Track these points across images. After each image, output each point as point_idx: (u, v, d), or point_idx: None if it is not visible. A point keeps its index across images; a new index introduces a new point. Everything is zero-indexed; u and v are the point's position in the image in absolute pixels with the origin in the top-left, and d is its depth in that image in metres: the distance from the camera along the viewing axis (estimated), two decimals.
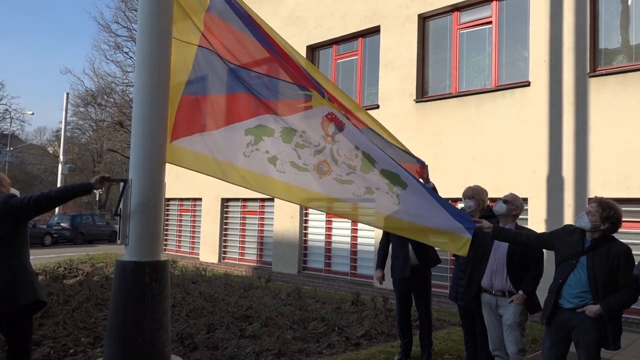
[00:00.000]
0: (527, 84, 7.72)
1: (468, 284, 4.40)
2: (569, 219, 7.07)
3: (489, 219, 4.65)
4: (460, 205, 6.04)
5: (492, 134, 7.98)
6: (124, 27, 33.89)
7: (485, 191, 4.80)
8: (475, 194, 4.68)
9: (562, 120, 7.34)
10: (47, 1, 79.48)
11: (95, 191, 35.51)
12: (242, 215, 12.32)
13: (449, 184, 8.26)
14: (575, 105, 7.26)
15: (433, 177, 8.33)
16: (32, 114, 43.78)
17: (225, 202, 12.69)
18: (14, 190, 3.95)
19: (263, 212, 11.78)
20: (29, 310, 3.66)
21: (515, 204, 4.22)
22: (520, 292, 3.98)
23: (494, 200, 7.58)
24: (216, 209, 12.75)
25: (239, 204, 12.37)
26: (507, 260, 4.06)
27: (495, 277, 4.09)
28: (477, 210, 4.68)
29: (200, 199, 13.38)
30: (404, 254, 5.25)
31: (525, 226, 4.50)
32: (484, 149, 8.04)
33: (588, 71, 7.18)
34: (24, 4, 76.78)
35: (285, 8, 11.46)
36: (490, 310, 4.17)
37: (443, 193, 8.09)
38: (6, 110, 43.71)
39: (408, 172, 3.76)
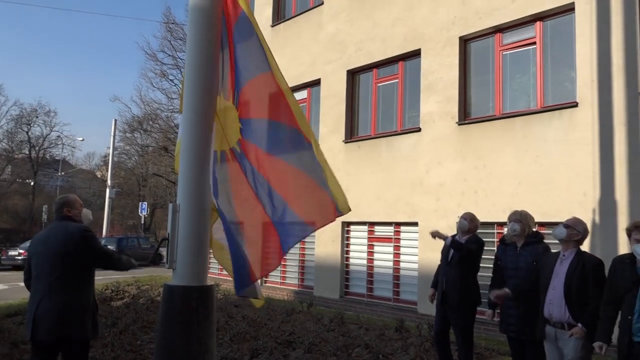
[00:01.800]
0: (575, 105, 7.52)
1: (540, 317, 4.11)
2: (623, 243, 6.76)
3: (534, 245, 4.53)
4: (505, 229, 5.89)
5: (540, 156, 7.77)
6: (169, 55, 35.11)
7: (532, 218, 4.71)
8: (522, 218, 4.60)
9: (614, 142, 7.09)
10: (98, 32, 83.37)
11: (140, 214, 36.43)
12: None
13: (494, 209, 8.07)
14: (626, 126, 7.00)
15: (477, 201, 8.23)
16: (82, 140, 45.59)
17: None
18: (85, 211, 4.11)
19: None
20: (86, 341, 3.80)
21: (578, 229, 4.03)
22: (580, 325, 3.74)
23: (542, 225, 7.36)
24: None
25: None
26: (564, 289, 3.85)
27: (553, 307, 3.88)
28: (521, 235, 4.57)
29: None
30: (441, 282, 5.30)
31: (586, 251, 4.24)
32: (531, 172, 7.83)
33: (639, 91, 6.94)
34: (75, 36, 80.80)
35: (326, 33, 11.63)
36: (551, 342, 3.98)
37: (487, 217, 7.96)
38: (58, 136, 45.75)
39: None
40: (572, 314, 3.79)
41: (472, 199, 8.39)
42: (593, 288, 3.77)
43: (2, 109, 42.78)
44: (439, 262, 5.62)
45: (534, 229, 4.71)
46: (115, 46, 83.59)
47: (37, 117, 43.50)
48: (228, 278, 13.64)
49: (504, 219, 5.88)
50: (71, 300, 3.66)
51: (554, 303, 3.89)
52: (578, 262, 3.89)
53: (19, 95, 79.97)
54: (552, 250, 4.49)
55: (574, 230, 4.02)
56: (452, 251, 5.26)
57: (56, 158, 48.52)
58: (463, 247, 5.17)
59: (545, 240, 4.71)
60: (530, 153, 7.88)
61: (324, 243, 10.99)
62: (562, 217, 7.06)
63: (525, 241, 4.53)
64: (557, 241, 4.17)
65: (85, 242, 3.74)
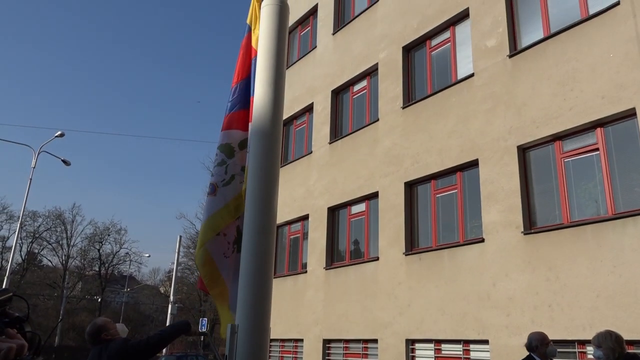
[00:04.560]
0: None
1: None
2: None
3: None
4: (589, 353, 5.36)
5: (617, 266, 7.24)
6: None
7: (616, 336, 4.22)
8: (601, 342, 4.12)
9: None
10: (167, 155, 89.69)
11: (200, 330, 36.22)
12: (344, 358, 11.78)
13: (572, 325, 7.44)
14: None
15: (552, 317, 7.63)
16: (149, 256, 47.34)
17: (326, 343, 12.29)
18: (119, 326, 4.12)
19: (366, 354, 11.20)
20: None
21: None
22: None
23: (630, 343, 6.67)
24: (318, 350, 12.34)
25: (341, 345, 11.91)
26: None
27: None
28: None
29: (301, 340, 13.09)
30: None
31: None
32: (609, 284, 7.26)
33: None
34: (144, 158, 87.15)
35: (382, 147, 11.91)
36: None
37: (566, 335, 7.32)
38: (127, 253, 47.69)
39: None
40: None
41: (546, 314, 7.80)
42: None
43: (79, 228, 45.50)
44: None
45: (627, 351, 4.23)
46: (182, 167, 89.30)
47: (109, 235, 45.87)
48: None
49: (585, 336, 5.38)
50: None
51: None
52: None
53: (93, 214, 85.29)
54: None
55: None
56: None
57: (123, 274, 50.17)
58: None
59: None
60: (607, 263, 7.37)
61: None
62: None
63: None
64: None
65: (127, 348, 3.67)
